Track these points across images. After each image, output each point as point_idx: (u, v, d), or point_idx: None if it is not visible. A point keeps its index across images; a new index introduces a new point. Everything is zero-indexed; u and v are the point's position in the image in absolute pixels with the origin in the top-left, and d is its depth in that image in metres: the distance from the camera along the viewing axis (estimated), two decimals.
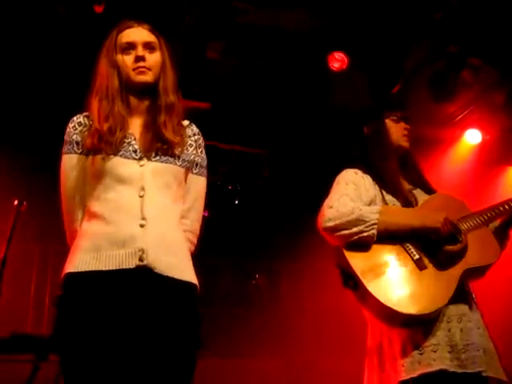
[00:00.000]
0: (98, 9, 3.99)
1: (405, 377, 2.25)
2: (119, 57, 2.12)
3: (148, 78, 2.10)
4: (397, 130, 2.63)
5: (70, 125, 2.14)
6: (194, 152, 2.18)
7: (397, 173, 2.59)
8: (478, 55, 4.49)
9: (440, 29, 4.23)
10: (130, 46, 2.12)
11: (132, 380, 1.88)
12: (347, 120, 2.90)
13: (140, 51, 2.11)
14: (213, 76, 4.76)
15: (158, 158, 2.06)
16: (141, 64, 2.09)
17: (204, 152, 2.22)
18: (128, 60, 2.11)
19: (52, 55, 4.37)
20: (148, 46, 2.13)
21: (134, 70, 2.09)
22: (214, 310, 5.30)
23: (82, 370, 1.86)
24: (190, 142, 2.17)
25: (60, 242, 2.22)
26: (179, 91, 2.19)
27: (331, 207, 2.36)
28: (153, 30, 2.19)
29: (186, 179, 2.15)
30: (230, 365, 4.97)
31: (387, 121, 2.65)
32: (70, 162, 2.10)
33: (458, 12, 4.11)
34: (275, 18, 4.35)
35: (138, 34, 2.15)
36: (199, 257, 2.20)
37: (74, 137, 2.11)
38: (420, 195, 2.60)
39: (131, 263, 1.92)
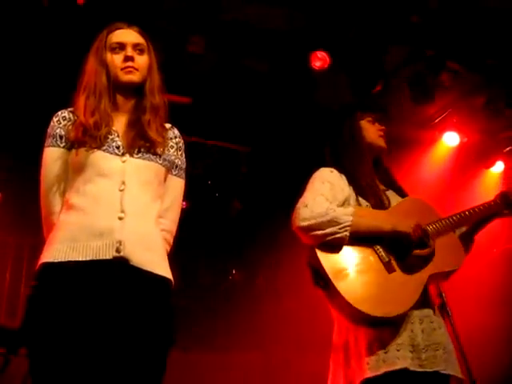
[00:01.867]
0: (80, 0, 3.96)
1: (369, 374, 2.29)
2: (108, 56, 2.16)
3: (135, 77, 2.15)
4: (373, 131, 2.67)
5: (55, 119, 2.16)
6: (175, 154, 2.23)
7: (371, 175, 2.62)
8: (456, 59, 4.53)
9: (419, 32, 4.27)
10: (120, 46, 2.17)
11: (103, 372, 1.89)
12: (325, 120, 2.91)
13: (129, 51, 2.15)
14: (194, 71, 4.74)
15: (140, 155, 2.10)
16: (129, 64, 2.14)
17: (184, 155, 2.27)
18: (117, 59, 2.15)
19: (35, 50, 4.31)
20: (137, 48, 2.18)
21: (122, 69, 2.14)
22: (191, 304, 5.31)
23: (50, 361, 1.86)
24: (171, 143, 2.22)
25: (36, 234, 2.22)
26: (164, 92, 2.23)
27: (306, 206, 2.39)
28: (142, 33, 2.24)
29: (165, 179, 2.19)
30: (208, 359, 4.98)
31: (363, 122, 2.69)
32: (52, 155, 2.12)
33: (437, 15, 4.15)
34: (259, 14, 4.36)
35: (128, 35, 2.20)
36: (177, 251, 2.22)
37: (58, 130, 2.12)
38: (392, 197, 2.64)
39: (108, 254, 1.94)
